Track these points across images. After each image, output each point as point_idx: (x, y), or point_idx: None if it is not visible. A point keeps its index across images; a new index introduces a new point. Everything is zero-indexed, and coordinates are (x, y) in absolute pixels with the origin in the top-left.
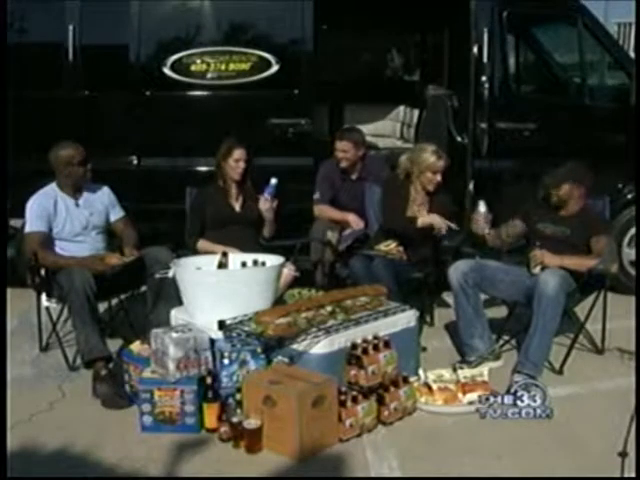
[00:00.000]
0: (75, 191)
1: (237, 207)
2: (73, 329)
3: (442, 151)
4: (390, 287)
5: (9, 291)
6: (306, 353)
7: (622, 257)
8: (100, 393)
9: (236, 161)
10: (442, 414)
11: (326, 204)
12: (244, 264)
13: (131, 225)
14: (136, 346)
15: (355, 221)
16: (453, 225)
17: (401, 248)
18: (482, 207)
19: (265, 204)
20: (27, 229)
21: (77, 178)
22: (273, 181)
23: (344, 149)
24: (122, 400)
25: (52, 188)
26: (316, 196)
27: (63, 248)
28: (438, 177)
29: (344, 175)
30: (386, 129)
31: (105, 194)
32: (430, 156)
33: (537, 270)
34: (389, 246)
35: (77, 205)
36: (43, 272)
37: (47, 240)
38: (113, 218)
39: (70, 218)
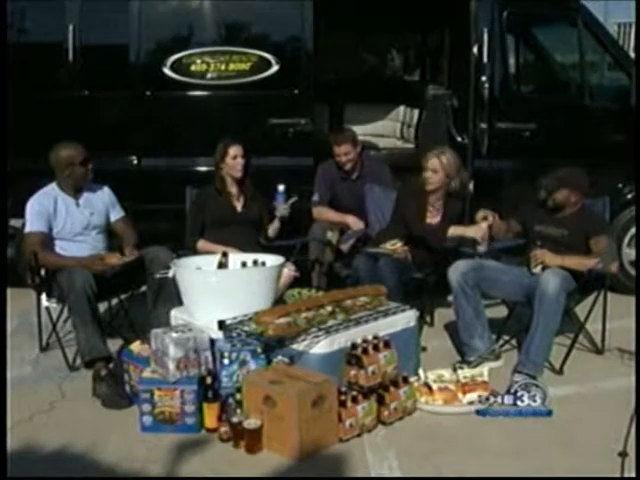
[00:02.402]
0: (75, 191)
1: (239, 207)
2: (73, 329)
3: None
4: (393, 288)
5: (9, 291)
6: (306, 353)
7: (622, 257)
8: (100, 393)
9: (234, 158)
10: (442, 414)
11: (325, 206)
12: (244, 264)
13: (131, 225)
14: (136, 346)
15: (355, 223)
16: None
17: (406, 248)
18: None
19: (285, 211)
20: (27, 229)
21: (78, 178)
22: (281, 188)
23: (346, 151)
24: (122, 400)
25: (52, 188)
26: (315, 198)
27: (63, 248)
28: (431, 175)
29: (344, 175)
30: (386, 129)
31: (105, 194)
32: (429, 156)
33: (538, 270)
34: (395, 245)
35: (77, 205)
36: (43, 272)
37: (47, 240)
38: (113, 218)
39: (70, 218)
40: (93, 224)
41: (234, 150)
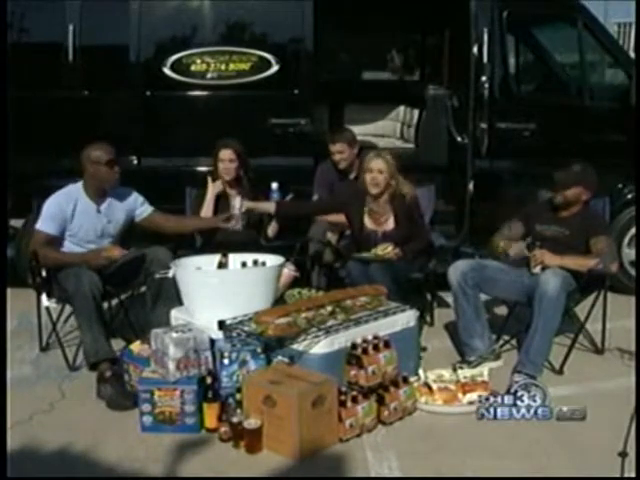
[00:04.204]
0: (99, 195)
1: None
2: (79, 330)
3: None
4: (389, 290)
5: (9, 291)
6: (306, 353)
7: (622, 257)
8: (105, 394)
9: (222, 161)
10: (442, 414)
11: None
12: (244, 264)
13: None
14: (136, 346)
15: None
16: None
17: (397, 250)
18: None
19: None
20: (37, 225)
21: (102, 179)
22: (274, 185)
23: (340, 150)
24: (127, 401)
25: (77, 188)
26: (314, 198)
27: (70, 250)
28: (377, 175)
29: (342, 175)
30: (386, 129)
31: (131, 199)
32: (371, 157)
33: (537, 270)
34: (386, 249)
35: (98, 211)
36: (44, 272)
37: (52, 242)
38: (145, 214)
39: (86, 224)
40: (108, 232)
41: (223, 154)
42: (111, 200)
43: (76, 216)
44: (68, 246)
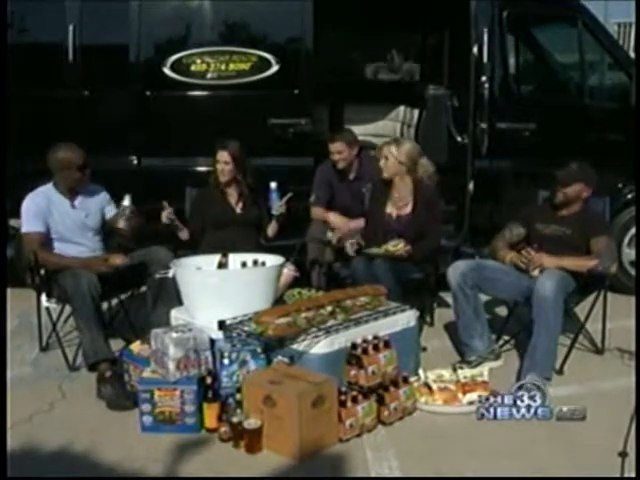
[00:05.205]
0: (71, 193)
1: (238, 209)
2: (78, 331)
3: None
4: (391, 288)
5: (9, 291)
6: (306, 353)
7: (622, 257)
8: (105, 395)
9: (218, 162)
10: (442, 414)
11: (322, 207)
12: (244, 264)
13: None
14: (136, 346)
15: (344, 224)
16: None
17: (409, 247)
18: None
19: (281, 208)
20: (24, 229)
21: (73, 182)
22: (273, 185)
23: (339, 150)
24: (127, 401)
25: (48, 188)
26: (312, 199)
27: (61, 249)
28: (384, 162)
29: (341, 176)
30: (386, 129)
31: (101, 195)
32: (383, 144)
33: (536, 273)
34: (397, 246)
35: (73, 207)
36: (43, 272)
37: (46, 240)
38: (110, 214)
39: (66, 220)
40: (88, 226)
41: (219, 155)
42: (83, 195)
43: (54, 213)
44: (57, 246)
